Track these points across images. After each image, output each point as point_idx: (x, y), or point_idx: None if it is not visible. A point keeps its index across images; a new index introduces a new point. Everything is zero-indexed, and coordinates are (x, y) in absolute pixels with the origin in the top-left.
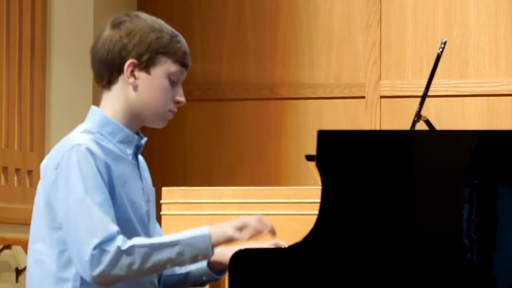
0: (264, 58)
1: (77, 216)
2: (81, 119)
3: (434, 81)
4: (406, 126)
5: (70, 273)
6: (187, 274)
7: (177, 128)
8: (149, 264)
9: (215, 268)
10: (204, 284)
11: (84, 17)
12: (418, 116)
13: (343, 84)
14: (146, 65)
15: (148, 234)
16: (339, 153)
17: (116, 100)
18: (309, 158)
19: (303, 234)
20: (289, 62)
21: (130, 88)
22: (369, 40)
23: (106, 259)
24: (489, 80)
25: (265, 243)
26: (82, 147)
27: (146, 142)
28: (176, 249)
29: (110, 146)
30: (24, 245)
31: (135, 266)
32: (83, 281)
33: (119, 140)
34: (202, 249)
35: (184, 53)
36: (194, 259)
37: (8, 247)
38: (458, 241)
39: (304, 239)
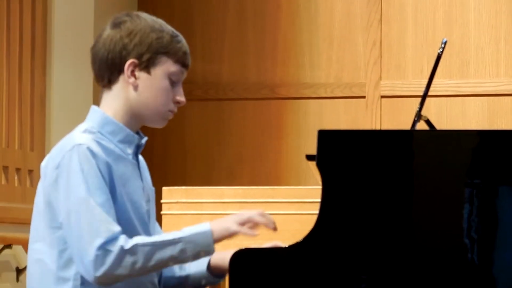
0: (264, 57)
1: (80, 216)
2: (81, 118)
3: (435, 81)
4: (407, 126)
5: (71, 272)
6: (187, 277)
7: (177, 128)
8: (152, 262)
9: (215, 272)
10: (203, 287)
11: (84, 17)
12: (418, 116)
13: (344, 84)
14: (146, 65)
15: (148, 234)
16: (339, 153)
17: (116, 100)
18: (309, 158)
19: (303, 234)
20: (290, 62)
21: (131, 88)
22: (369, 40)
23: (110, 259)
24: (489, 80)
25: (266, 243)
26: (83, 147)
27: (147, 141)
28: (178, 247)
29: (111, 145)
30: (25, 244)
31: (138, 265)
32: (83, 281)
33: (119, 140)
34: (204, 246)
35: (185, 53)
36: (197, 256)
37: (8, 246)
38: (459, 241)
39: (305, 239)
